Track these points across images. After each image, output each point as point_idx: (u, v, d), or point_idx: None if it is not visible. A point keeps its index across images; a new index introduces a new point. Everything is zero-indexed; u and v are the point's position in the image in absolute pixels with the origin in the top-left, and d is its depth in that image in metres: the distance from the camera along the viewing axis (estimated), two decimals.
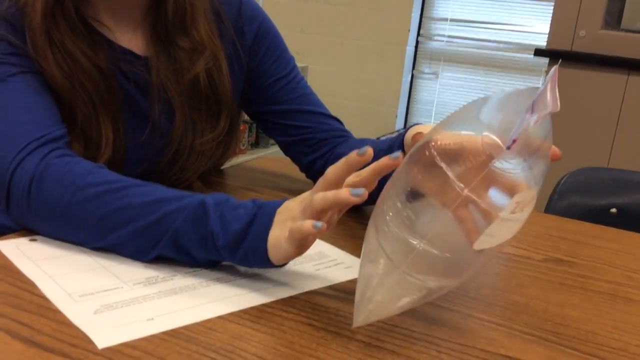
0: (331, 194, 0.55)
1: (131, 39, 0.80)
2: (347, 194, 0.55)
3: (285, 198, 0.62)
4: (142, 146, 0.82)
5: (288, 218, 0.59)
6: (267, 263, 0.60)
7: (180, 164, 0.84)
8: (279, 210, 0.61)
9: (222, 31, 0.84)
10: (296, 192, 0.92)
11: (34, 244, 0.66)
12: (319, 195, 0.56)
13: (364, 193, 0.54)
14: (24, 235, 0.68)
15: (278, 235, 0.58)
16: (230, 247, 0.60)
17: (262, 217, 0.60)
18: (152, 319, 0.54)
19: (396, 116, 3.63)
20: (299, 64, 3.29)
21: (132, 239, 0.63)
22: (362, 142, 0.87)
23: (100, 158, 0.76)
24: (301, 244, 0.57)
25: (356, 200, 0.54)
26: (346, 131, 0.92)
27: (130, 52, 0.80)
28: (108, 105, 0.77)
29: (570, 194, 1.26)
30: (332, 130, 0.91)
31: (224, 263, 0.64)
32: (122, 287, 0.59)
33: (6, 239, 0.67)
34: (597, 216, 1.21)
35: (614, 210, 1.22)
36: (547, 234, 0.88)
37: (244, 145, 2.75)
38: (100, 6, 0.78)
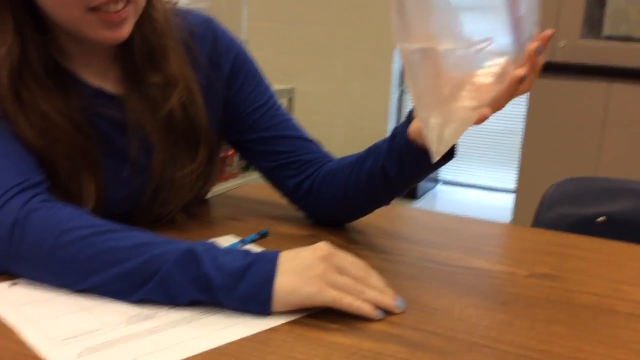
0: (380, 297, 0.64)
1: (104, 79, 0.81)
2: (391, 303, 0.64)
3: (278, 250, 0.65)
4: (122, 185, 0.82)
5: (316, 277, 0.62)
6: (266, 308, 0.61)
7: (161, 198, 0.84)
8: (286, 258, 0.63)
9: (193, 63, 0.84)
10: (280, 219, 0.93)
11: (15, 288, 0.66)
12: (373, 294, 0.63)
13: (402, 310, 0.64)
14: (4, 279, 0.68)
15: (292, 283, 0.61)
16: (227, 287, 0.61)
17: (262, 264, 0.62)
18: (136, 359, 0.54)
19: (386, 132, 3.65)
20: (286, 86, 3.31)
21: (117, 281, 0.63)
22: (346, 159, 0.87)
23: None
24: (329, 305, 0.62)
25: (397, 311, 0.64)
26: (327, 153, 0.93)
27: (103, 93, 0.80)
28: (87, 157, 0.77)
29: (558, 205, 1.26)
30: (315, 152, 0.92)
31: None
32: (104, 328, 0.59)
33: None
34: (586, 226, 1.21)
35: (601, 219, 1.22)
36: (532, 249, 0.88)
37: (234, 169, 2.75)
38: (70, 51, 0.79)
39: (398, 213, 0.87)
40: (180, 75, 0.81)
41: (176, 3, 0.86)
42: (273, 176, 0.93)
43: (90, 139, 0.78)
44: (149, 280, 0.62)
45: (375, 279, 0.66)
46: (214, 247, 0.64)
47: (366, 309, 0.62)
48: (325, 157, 0.92)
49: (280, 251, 0.64)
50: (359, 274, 0.65)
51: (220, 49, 0.88)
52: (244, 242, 0.82)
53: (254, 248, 0.80)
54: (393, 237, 0.90)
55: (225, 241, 0.82)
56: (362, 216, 0.91)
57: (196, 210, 0.95)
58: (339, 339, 0.58)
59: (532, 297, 0.71)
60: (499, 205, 3.58)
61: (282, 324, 0.61)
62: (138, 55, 0.79)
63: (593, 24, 2.36)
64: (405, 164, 0.76)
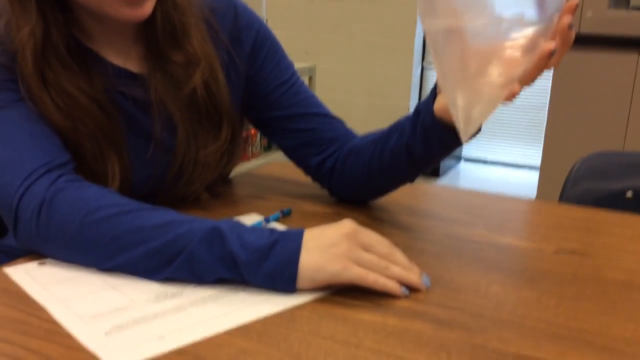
0: (406, 274, 0.63)
1: (126, 59, 0.81)
2: (417, 279, 0.64)
3: (303, 228, 0.65)
4: (147, 164, 0.82)
5: (341, 254, 0.62)
6: (291, 286, 0.61)
7: (186, 177, 0.84)
8: (311, 236, 0.63)
9: (215, 41, 0.84)
10: (303, 197, 0.93)
11: (43, 267, 0.67)
12: (399, 270, 0.63)
13: (427, 287, 0.64)
14: (33, 259, 0.69)
15: (317, 260, 0.61)
16: (252, 265, 0.61)
17: (287, 242, 0.62)
18: (163, 336, 0.55)
19: (408, 109, 3.62)
20: (307, 63, 3.28)
21: (143, 260, 0.64)
22: (369, 137, 0.87)
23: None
24: (354, 283, 0.62)
25: (423, 288, 0.64)
26: (350, 130, 0.93)
27: (126, 72, 0.80)
28: (111, 137, 0.78)
29: (585, 180, 1.24)
30: (338, 130, 0.91)
31: None
32: (132, 306, 0.59)
33: (16, 264, 0.68)
34: (613, 201, 1.19)
35: (629, 194, 1.20)
36: (559, 224, 0.87)
37: (256, 149, 2.75)
38: (92, 30, 0.79)
39: (422, 190, 0.86)
40: (203, 53, 0.81)
41: None
42: (296, 154, 0.92)
43: (114, 119, 0.78)
44: (175, 259, 0.63)
45: (400, 256, 0.66)
46: (239, 225, 0.64)
47: (391, 286, 0.62)
48: (348, 135, 0.91)
49: (304, 229, 0.64)
50: (384, 251, 0.64)
51: (241, 26, 0.87)
52: (267, 220, 0.82)
53: (278, 226, 0.80)
54: (417, 214, 0.90)
55: (249, 220, 0.83)
56: (385, 194, 0.90)
57: (220, 189, 0.95)
58: (364, 316, 0.58)
59: (559, 274, 0.70)
60: (524, 183, 3.54)
61: (308, 302, 0.61)
62: (160, 33, 0.79)
63: None
64: (431, 141, 0.75)
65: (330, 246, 0.62)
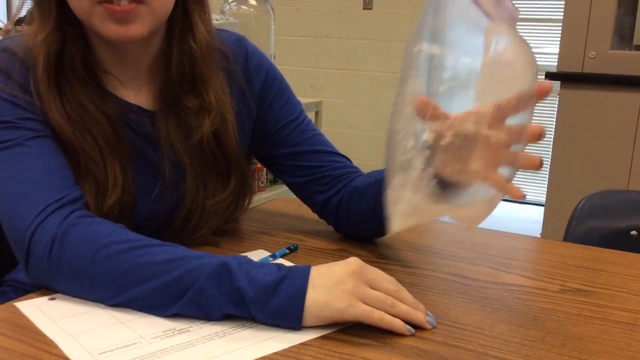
0: (412, 312, 0.64)
1: (137, 95, 0.83)
2: (423, 318, 0.64)
3: (309, 265, 0.65)
4: (155, 200, 0.84)
5: (347, 292, 0.62)
6: (297, 323, 0.62)
7: (193, 223, 0.85)
8: (317, 273, 0.64)
9: (232, 86, 0.86)
10: (309, 234, 0.94)
11: (53, 302, 0.68)
12: (405, 308, 0.64)
13: (433, 325, 0.65)
14: (43, 294, 0.70)
15: (323, 298, 0.62)
16: (259, 301, 0.62)
17: (294, 279, 0.63)
18: None
19: None
20: (313, 99, 3.30)
21: (152, 295, 0.65)
22: (372, 176, 0.88)
23: (109, 199, 0.77)
24: (360, 320, 0.62)
25: (428, 327, 0.64)
26: (356, 168, 0.94)
27: (136, 106, 0.82)
28: (116, 150, 0.79)
29: (589, 218, 1.24)
30: (344, 168, 0.92)
31: None
32: (140, 342, 0.60)
33: (26, 299, 0.69)
34: (618, 240, 1.20)
35: (634, 232, 1.20)
36: (563, 263, 0.88)
37: (262, 182, 2.76)
38: (107, 63, 0.81)
39: (427, 227, 0.87)
40: (217, 102, 0.82)
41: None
42: (302, 191, 0.94)
43: (122, 140, 0.80)
44: (183, 295, 0.64)
45: (406, 293, 0.66)
46: (247, 261, 0.65)
47: (397, 324, 0.63)
48: (353, 172, 0.92)
49: (311, 266, 0.65)
50: (390, 288, 0.65)
51: (251, 67, 0.89)
52: (274, 256, 0.83)
53: (284, 262, 0.81)
54: (422, 251, 0.90)
55: (256, 256, 0.84)
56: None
57: (226, 226, 0.96)
58: (369, 354, 0.59)
59: (563, 313, 0.70)
60: (530, 219, 3.54)
61: (314, 339, 0.61)
62: (174, 78, 0.81)
63: (623, 34, 2.34)
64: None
65: (337, 283, 0.63)
